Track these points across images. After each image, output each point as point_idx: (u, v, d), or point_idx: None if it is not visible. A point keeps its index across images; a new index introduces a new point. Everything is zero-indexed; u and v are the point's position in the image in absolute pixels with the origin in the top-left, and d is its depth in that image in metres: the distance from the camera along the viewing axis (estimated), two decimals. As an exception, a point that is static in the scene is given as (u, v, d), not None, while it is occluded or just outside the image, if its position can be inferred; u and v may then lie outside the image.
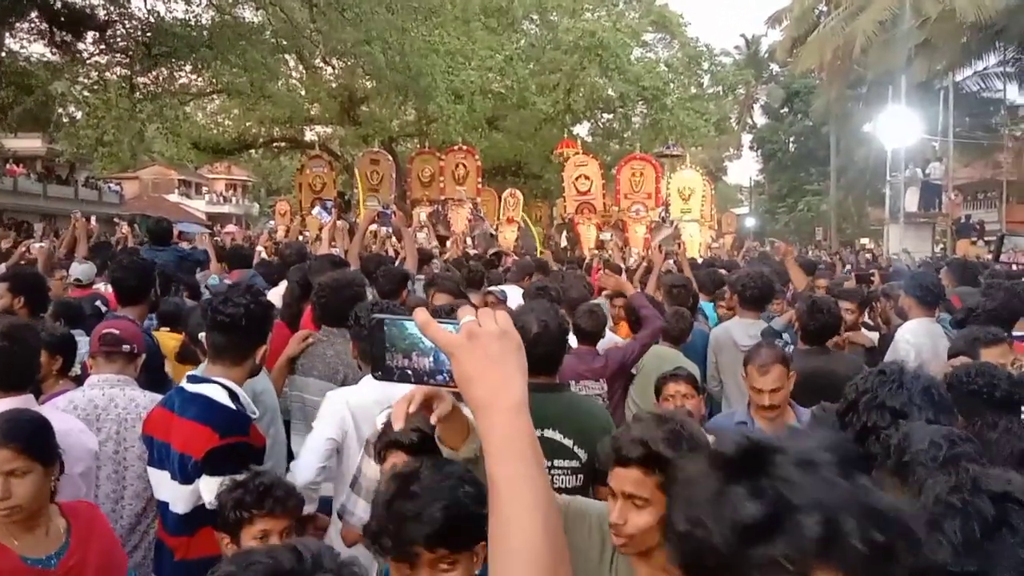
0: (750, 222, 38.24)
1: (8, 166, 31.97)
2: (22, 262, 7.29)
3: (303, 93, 26.77)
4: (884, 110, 26.96)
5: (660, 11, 30.49)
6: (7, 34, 18.93)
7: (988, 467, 1.51)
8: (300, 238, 11.71)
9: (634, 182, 17.70)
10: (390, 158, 19.16)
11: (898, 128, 25.75)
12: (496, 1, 23.09)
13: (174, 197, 46.74)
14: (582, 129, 30.54)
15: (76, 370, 3.73)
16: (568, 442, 2.93)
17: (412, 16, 17.16)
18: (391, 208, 15.61)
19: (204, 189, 52.49)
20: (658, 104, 26.68)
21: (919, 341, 4.61)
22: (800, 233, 40.07)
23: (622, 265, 10.59)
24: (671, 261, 10.51)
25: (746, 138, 48.49)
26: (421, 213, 17.58)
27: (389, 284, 5.07)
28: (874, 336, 5.55)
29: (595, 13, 28.78)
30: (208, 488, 2.50)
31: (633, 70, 26.50)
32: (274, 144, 30.62)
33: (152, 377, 3.58)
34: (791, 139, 43.57)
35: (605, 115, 30.82)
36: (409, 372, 1.18)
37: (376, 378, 1.19)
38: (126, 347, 3.14)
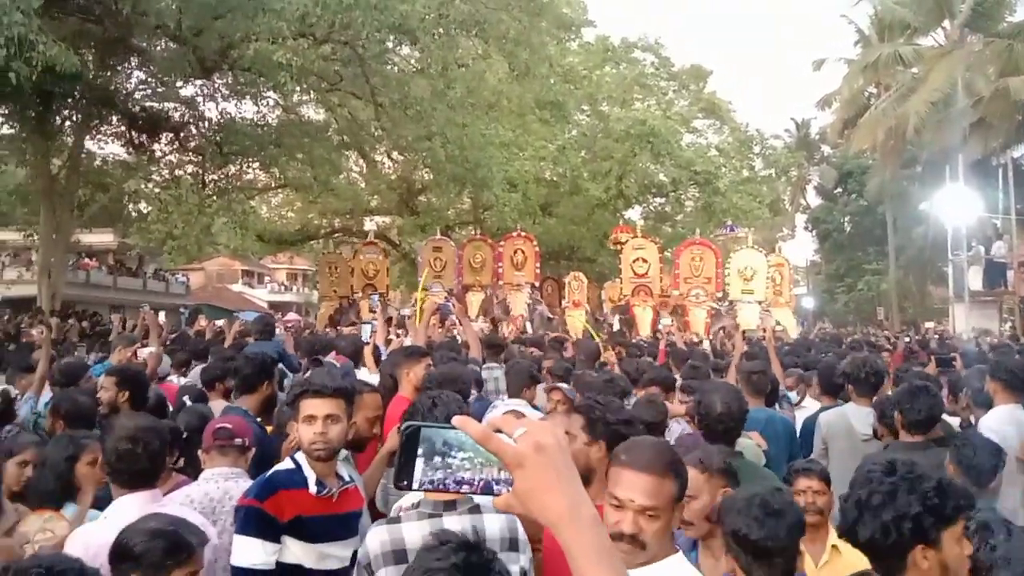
0: (808, 303, 37.76)
1: (82, 260, 33.37)
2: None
3: (364, 186, 27.76)
4: (941, 188, 26.72)
5: (709, 98, 31.12)
6: (86, 136, 20.13)
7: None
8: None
9: (694, 266, 17.75)
10: (452, 244, 19.65)
11: (957, 206, 25.47)
12: (549, 94, 23.86)
13: (237, 287, 48.10)
14: (634, 213, 30.96)
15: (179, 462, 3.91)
16: None
17: (471, 111, 17.82)
18: (451, 300, 15.95)
19: (266, 278, 53.98)
20: (710, 188, 26.99)
21: (1004, 430, 4.47)
22: (860, 313, 39.37)
23: (683, 346, 10.62)
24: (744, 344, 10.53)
25: (800, 219, 48.35)
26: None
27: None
28: (955, 422, 5.41)
29: (645, 102, 29.53)
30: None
31: (684, 155, 26.94)
32: (334, 234, 31.61)
33: (263, 468, 3.74)
34: (846, 219, 43.25)
35: (657, 199, 31.23)
36: (445, 483, 1.10)
37: (398, 487, 1.11)
38: (238, 441, 3.31)
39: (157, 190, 23.76)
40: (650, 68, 31.60)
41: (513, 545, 2.59)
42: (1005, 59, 26.13)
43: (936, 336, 18.64)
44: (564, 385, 5.51)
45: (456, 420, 1.08)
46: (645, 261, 18.36)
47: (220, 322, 14.15)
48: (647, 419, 4.77)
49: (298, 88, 17.46)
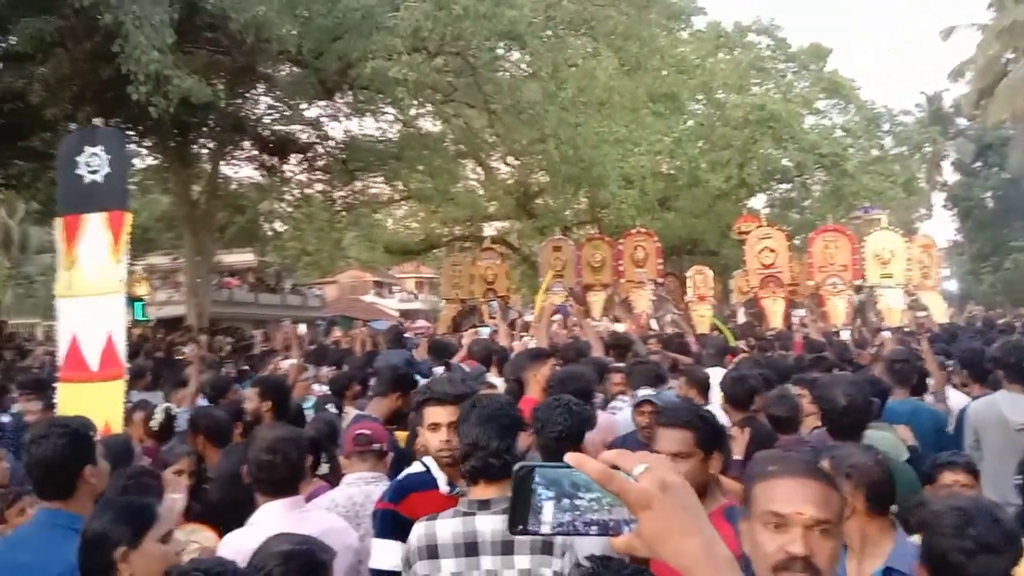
0: (952, 285, 35.58)
1: (224, 279, 35.40)
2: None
3: (481, 192, 28.19)
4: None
5: (831, 77, 29.79)
6: (221, 162, 21.38)
7: None
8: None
9: (828, 254, 17.06)
10: (571, 243, 19.68)
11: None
12: (662, 87, 23.50)
13: (369, 298, 49.75)
14: (758, 202, 30.05)
15: (323, 468, 4.11)
16: None
17: (583, 110, 17.80)
18: (569, 302, 15.97)
19: (395, 288, 55.65)
20: (838, 170, 25.86)
21: None
22: (1010, 294, 36.73)
23: (819, 337, 10.24)
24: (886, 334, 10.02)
25: (937, 197, 45.57)
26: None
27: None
28: None
29: (763, 87, 28.59)
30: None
31: (808, 138, 25.93)
32: (456, 241, 32.25)
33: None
34: (988, 194, 40.49)
35: (782, 186, 30.20)
36: (574, 524, 1.00)
37: (514, 532, 1.02)
38: (376, 446, 3.47)
39: (290, 209, 24.96)
40: (766, 51, 30.56)
41: (547, 549, 2.54)
42: None
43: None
44: (648, 392, 5.01)
45: (571, 459, 0.99)
46: (772, 251, 17.78)
47: (338, 333, 14.69)
48: (778, 415, 4.66)
49: (415, 102, 17.92)
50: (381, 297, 52.11)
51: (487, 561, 2.52)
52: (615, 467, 0.99)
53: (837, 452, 2.84)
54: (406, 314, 44.74)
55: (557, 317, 11.55)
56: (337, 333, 14.24)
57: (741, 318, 17.48)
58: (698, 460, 2.63)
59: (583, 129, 17.41)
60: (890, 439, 4.19)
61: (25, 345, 14.77)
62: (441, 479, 2.95)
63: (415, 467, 3.06)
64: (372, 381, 5.58)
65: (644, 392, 4.89)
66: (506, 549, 2.51)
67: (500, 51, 17.01)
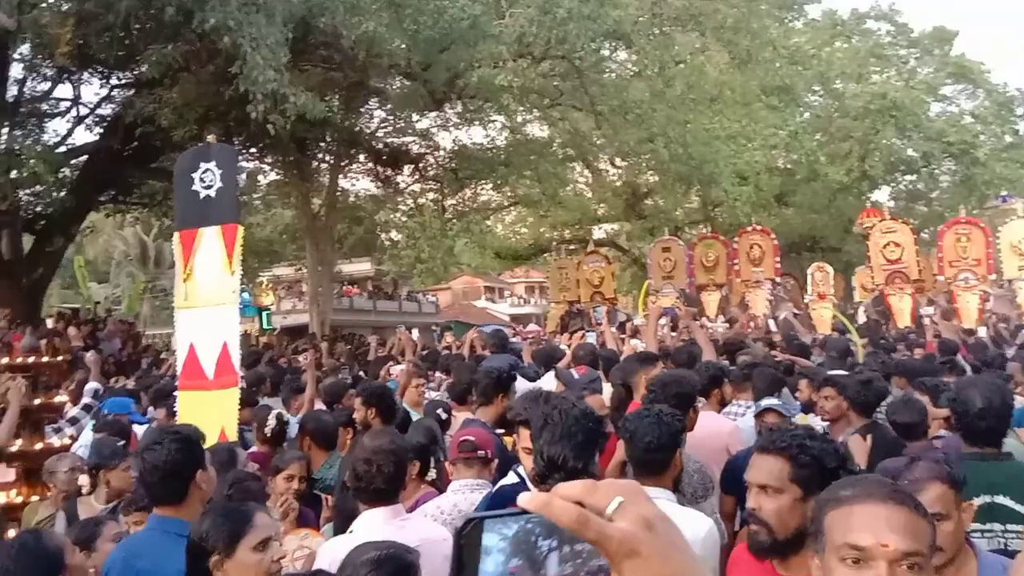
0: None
1: (345, 288, 36.59)
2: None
3: (590, 195, 28.05)
4: None
5: (957, 62, 28.19)
6: (339, 175, 22.11)
7: None
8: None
9: (960, 248, 16.05)
10: (681, 243, 19.29)
11: None
12: (775, 79, 22.79)
13: (481, 303, 50.41)
14: (882, 195, 28.77)
15: (432, 474, 4.13)
16: (1020, 508, 3.04)
17: (692, 107, 17.47)
18: (677, 305, 15.62)
19: (506, 293, 56.18)
20: (968, 158, 24.47)
21: None
22: None
23: (952, 336, 9.65)
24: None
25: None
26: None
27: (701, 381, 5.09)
28: None
29: (883, 75, 27.35)
30: None
31: (934, 126, 24.68)
32: (565, 245, 32.22)
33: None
34: None
35: (907, 177, 28.76)
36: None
37: None
38: (481, 453, 3.46)
39: (404, 219, 25.61)
40: (886, 37, 29.27)
41: None
42: None
43: None
44: (772, 401, 4.70)
45: (528, 503, 0.78)
46: (898, 245, 16.85)
47: (450, 338, 14.83)
48: (904, 421, 4.37)
49: (521, 108, 18.03)
50: (492, 302, 52.67)
51: None
52: (579, 505, 0.78)
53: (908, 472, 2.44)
54: (517, 318, 45.03)
55: (664, 320, 11.32)
56: (449, 338, 14.42)
57: (862, 317, 16.71)
58: (792, 499, 2.13)
59: (693, 126, 17.10)
60: (1016, 446, 3.90)
61: (161, 354, 15.64)
62: (535, 491, 2.87)
63: (510, 478, 3.03)
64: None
65: (768, 401, 4.64)
66: None
67: (605, 52, 16.93)
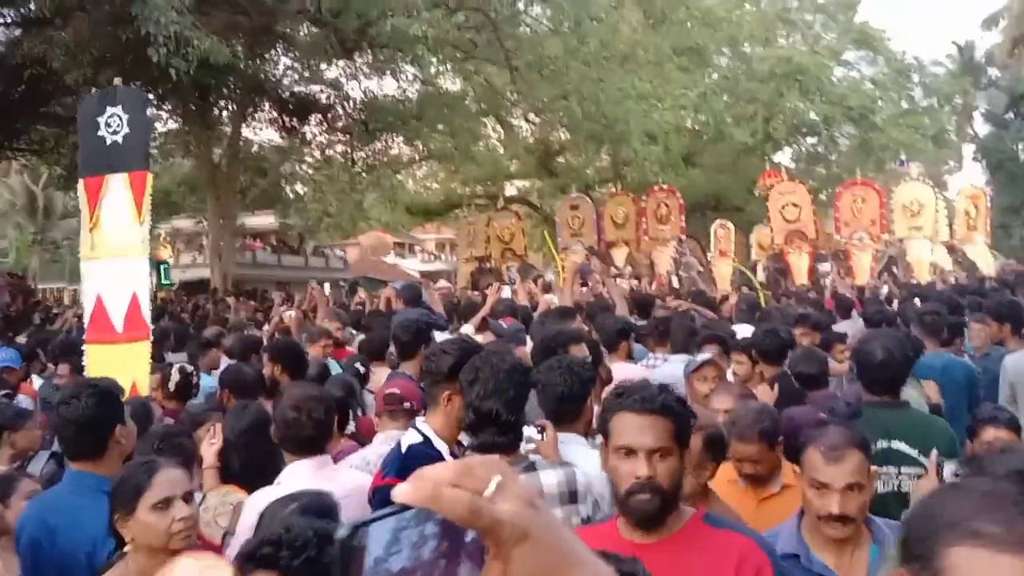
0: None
1: (247, 242, 35.61)
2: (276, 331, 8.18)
3: (502, 151, 27.96)
4: None
5: (860, 28, 29.11)
6: (242, 124, 21.34)
7: None
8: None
9: (856, 208, 16.79)
10: (589, 202, 19.50)
11: None
12: (687, 40, 23.06)
13: (391, 259, 49.90)
14: (784, 156, 29.62)
15: (351, 427, 4.09)
16: (913, 452, 3.24)
17: (605, 66, 17.53)
18: (590, 261, 15.87)
19: (417, 249, 55.76)
20: (867, 123, 25.42)
21: None
22: (1042, 248, 36.13)
23: (847, 293, 10.11)
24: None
25: (967, 149, 44.64)
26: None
27: (607, 334, 5.20)
28: None
29: (790, 39, 28.03)
30: None
31: (836, 90, 25.49)
32: (477, 201, 32.11)
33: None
34: (1020, 146, 39.63)
35: (809, 140, 29.71)
36: None
37: None
38: (406, 404, 3.45)
39: (311, 171, 24.96)
40: (793, 2, 29.94)
41: (572, 498, 2.56)
42: None
43: None
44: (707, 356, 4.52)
45: (403, 495, 0.68)
46: (796, 206, 17.50)
47: (362, 294, 14.64)
48: (806, 372, 4.57)
49: (435, 59, 17.72)
50: (403, 258, 52.25)
51: None
52: (457, 487, 0.68)
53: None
54: (427, 275, 44.73)
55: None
56: (362, 294, 14.25)
57: (760, 274, 17.30)
58: (677, 458, 2.03)
59: (606, 85, 17.17)
60: (913, 396, 4.08)
61: (53, 309, 14.93)
62: (444, 448, 2.83)
63: (412, 436, 2.89)
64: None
65: (704, 355, 4.43)
66: None
67: (521, 5, 16.73)
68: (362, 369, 5.30)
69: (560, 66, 16.08)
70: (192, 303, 16.13)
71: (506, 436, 2.52)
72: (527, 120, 26.39)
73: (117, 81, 4.40)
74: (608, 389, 3.44)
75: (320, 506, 2.16)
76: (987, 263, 17.04)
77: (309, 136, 22.67)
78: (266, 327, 8.74)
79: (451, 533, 0.67)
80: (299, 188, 27.44)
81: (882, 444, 3.25)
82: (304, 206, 27.58)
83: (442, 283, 27.97)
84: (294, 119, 21.22)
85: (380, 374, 5.70)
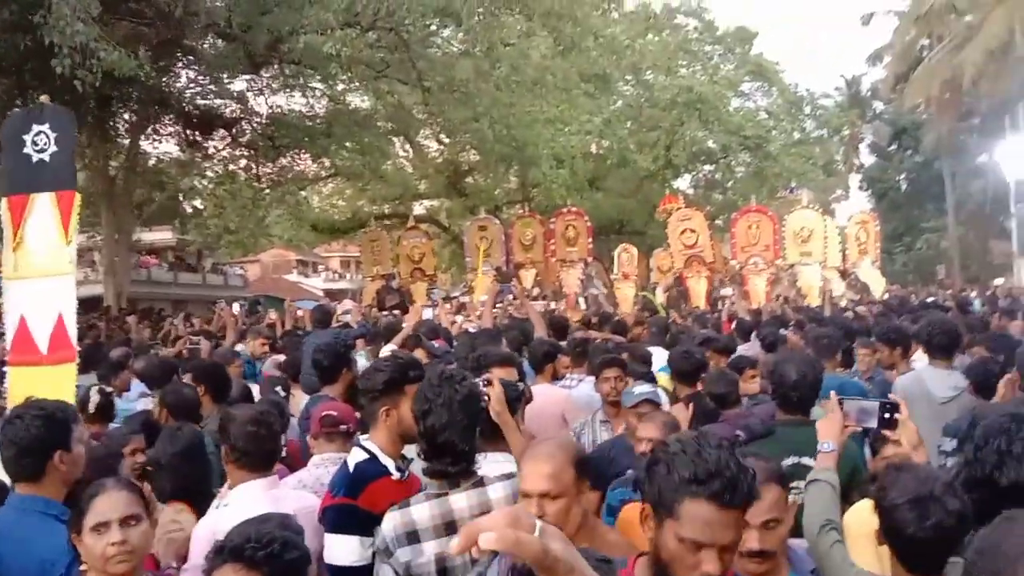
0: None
1: (143, 258, 34.29)
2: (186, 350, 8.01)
3: (412, 171, 27.98)
4: (1001, 140, 26.01)
5: (756, 60, 30.58)
6: (141, 136, 20.61)
7: None
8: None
9: (751, 234, 17.49)
10: (497, 223, 19.66)
11: (1018, 157, 24.76)
12: (594, 67, 23.70)
13: (292, 277, 48.92)
14: (683, 182, 30.71)
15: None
16: None
17: (516, 90, 17.80)
18: (512, 284, 16.03)
19: (320, 267, 54.85)
20: (761, 152, 26.65)
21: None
22: (921, 273, 38.52)
23: (745, 316, 10.58)
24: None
25: (854, 179, 47.32)
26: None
27: (534, 357, 5.39)
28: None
29: (690, 68, 29.15)
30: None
31: (733, 120, 26.63)
32: (385, 219, 31.91)
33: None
34: (902, 176, 42.27)
35: (707, 167, 30.90)
36: None
37: None
38: (343, 427, 3.48)
39: (212, 186, 24.29)
40: (694, 33, 31.17)
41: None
42: (1066, 2, 25.14)
43: (1007, 295, 17.95)
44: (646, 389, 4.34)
45: (490, 544, 0.82)
46: (693, 231, 17.99)
47: (273, 315, 14.38)
48: (718, 392, 4.80)
49: (345, 77, 17.60)
50: (305, 276, 51.34)
51: None
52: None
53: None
54: (331, 294, 44.17)
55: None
56: (272, 315, 13.99)
57: (660, 297, 17.73)
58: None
59: (516, 108, 17.45)
60: (819, 413, 4.38)
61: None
62: (390, 464, 2.88)
63: (358, 454, 2.91)
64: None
65: (641, 389, 4.26)
66: None
67: (434, 27, 16.85)
68: (283, 393, 5.28)
69: (471, 88, 16.26)
70: (86, 322, 15.43)
71: (459, 466, 2.62)
72: (437, 140, 26.56)
73: (44, 98, 4.29)
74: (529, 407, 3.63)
75: (290, 528, 2.21)
76: (878, 284, 18.03)
77: (212, 151, 22.09)
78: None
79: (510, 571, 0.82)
80: (199, 203, 26.67)
81: (792, 460, 3.51)
82: (203, 222, 26.83)
83: (347, 302, 27.62)
84: (197, 132, 20.63)
85: (299, 397, 5.70)
